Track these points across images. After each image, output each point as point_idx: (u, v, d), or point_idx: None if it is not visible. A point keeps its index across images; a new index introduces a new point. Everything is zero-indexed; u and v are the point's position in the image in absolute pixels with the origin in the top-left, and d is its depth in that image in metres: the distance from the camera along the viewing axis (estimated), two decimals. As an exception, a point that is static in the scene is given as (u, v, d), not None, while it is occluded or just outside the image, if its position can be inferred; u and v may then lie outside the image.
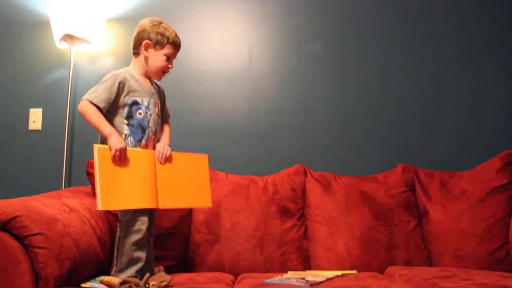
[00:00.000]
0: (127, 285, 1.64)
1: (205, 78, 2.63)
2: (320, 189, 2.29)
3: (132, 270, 1.69)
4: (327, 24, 2.67)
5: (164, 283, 1.70)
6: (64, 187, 2.50)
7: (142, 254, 1.72)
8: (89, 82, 2.61)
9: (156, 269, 1.91)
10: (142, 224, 1.72)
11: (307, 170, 2.38)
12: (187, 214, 2.25)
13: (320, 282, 1.78)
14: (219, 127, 2.59)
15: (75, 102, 2.61)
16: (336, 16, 2.67)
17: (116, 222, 2.15)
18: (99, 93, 1.76)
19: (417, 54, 2.63)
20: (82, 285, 1.71)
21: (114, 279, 1.66)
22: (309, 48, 2.66)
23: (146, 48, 1.85)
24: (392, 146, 2.57)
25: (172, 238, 2.18)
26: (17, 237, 1.57)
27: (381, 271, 2.13)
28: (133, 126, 1.79)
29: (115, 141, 1.68)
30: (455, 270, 1.96)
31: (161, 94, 1.96)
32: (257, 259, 2.13)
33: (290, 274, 2.01)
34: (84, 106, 1.76)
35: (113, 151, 1.67)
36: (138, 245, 1.71)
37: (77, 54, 2.60)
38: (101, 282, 1.66)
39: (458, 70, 2.62)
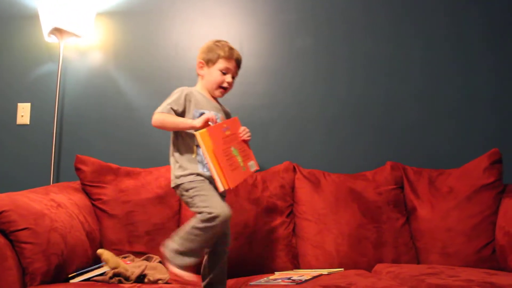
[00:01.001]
0: (117, 278, 1.64)
1: (195, 75, 2.61)
2: (309, 186, 2.29)
3: (188, 260, 1.66)
4: (317, 20, 2.67)
5: (160, 281, 1.70)
6: (53, 183, 2.48)
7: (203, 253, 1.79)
8: (78, 77, 2.62)
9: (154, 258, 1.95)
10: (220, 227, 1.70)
11: (296, 167, 2.38)
12: (176, 211, 2.25)
13: (306, 281, 1.79)
14: (209, 123, 2.58)
15: (64, 96, 2.59)
16: (326, 11, 2.67)
17: (105, 218, 2.16)
18: (168, 103, 1.80)
19: (407, 51, 2.64)
20: (71, 280, 1.70)
21: (112, 260, 1.65)
22: (299, 44, 2.66)
23: (201, 68, 1.92)
24: (382, 143, 2.58)
25: (161, 234, 2.17)
26: (3, 232, 1.56)
27: (369, 268, 2.14)
28: None
29: (200, 118, 1.72)
30: (442, 267, 1.97)
31: (226, 116, 1.98)
32: (246, 256, 2.14)
33: (277, 275, 2.01)
34: (157, 117, 1.79)
35: (205, 119, 1.70)
36: (209, 243, 1.75)
37: (66, 48, 2.58)
38: (100, 255, 1.66)
39: (447, 68, 2.63)
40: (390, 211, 2.26)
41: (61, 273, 1.67)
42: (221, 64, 1.88)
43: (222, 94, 1.92)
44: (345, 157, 2.56)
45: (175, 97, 1.83)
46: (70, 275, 1.71)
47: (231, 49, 1.90)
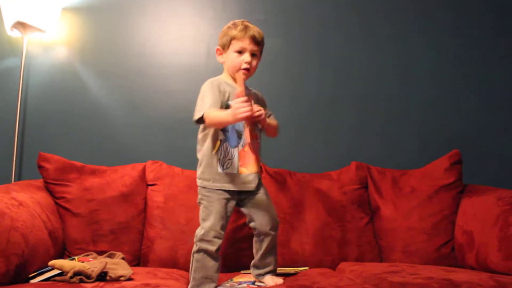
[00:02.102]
0: (78, 277, 1.61)
1: (162, 73, 2.61)
2: (275, 186, 2.31)
3: None
4: (287, 20, 2.69)
5: (123, 278, 1.68)
6: (14, 181, 2.42)
7: None
8: (42, 72, 2.56)
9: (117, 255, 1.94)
10: None
11: (262, 167, 2.39)
12: (142, 209, 2.23)
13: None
14: (176, 122, 2.57)
15: (27, 92, 2.53)
16: (296, 12, 2.68)
17: (68, 217, 2.13)
18: (204, 102, 1.75)
19: (376, 53, 2.69)
20: (31, 281, 1.66)
21: (66, 265, 1.62)
22: (269, 44, 2.65)
23: (220, 54, 1.87)
24: (347, 144, 2.62)
25: (126, 233, 2.16)
26: (-40, 232, 1.52)
27: (334, 267, 2.17)
28: (227, 131, 1.78)
29: (232, 116, 1.63)
30: (403, 265, 2.02)
31: (259, 101, 1.92)
32: (211, 254, 2.13)
33: (242, 274, 2.02)
34: (205, 118, 1.72)
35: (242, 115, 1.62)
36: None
37: (30, 43, 2.51)
38: (53, 266, 1.63)
39: (414, 70, 2.69)
40: (354, 211, 2.30)
41: (21, 273, 1.63)
42: (235, 45, 1.80)
43: (247, 76, 1.82)
44: (311, 157, 2.59)
45: (207, 91, 1.78)
46: (30, 275, 1.67)
47: (244, 27, 1.80)
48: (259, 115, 1.70)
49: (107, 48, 2.61)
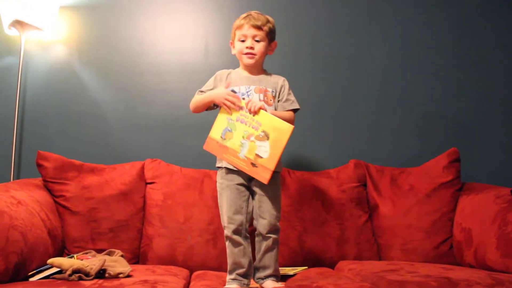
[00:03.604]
0: (77, 275, 1.61)
1: (160, 71, 2.60)
2: (273, 184, 2.31)
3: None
4: (283, 18, 2.67)
5: (121, 275, 1.69)
6: (13, 179, 2.42)
7: None
8: (40, 71, 2.56)
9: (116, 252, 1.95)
10: None
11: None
12: (140, 207, 2.24)
13: None
14: (174, 120, 2.57)
15: (25, 91, 2.53)
16: (292, 10, 2.68)
17: (67, 215, 2.13)
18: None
19: (374, 51, 2.69)
20: (30, 279, 1.67)
21: (65, 263, 1.62)
22: None
23: (233, 48, 1.97)
24: (345, 141, 2.62)
25: (125, 231, 2.16)
26: (-40, 230, 1.52)
27: (332, 265, 2.18)
28: None
29: (217, 94, 1.83)
30: (402, 263, 2.03)
31: (275, 84, 1.95)
32: (210, 253, 2.14)
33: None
34: (190, 103, 1.93)
35: (224, 101, 1.79)
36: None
37: (27, 42, 2.51)
38: (52, 264, 1.63)
39: (408, 67, 2.69)
40: (353, 208, 2.30)
41: (21, 271, 1.63)
42: (238, 34, 1.90)
43: (252, 59, 1.89)
44: (310, 155, 2.59)
45: (208, 81, 1.95)
46: (29, 273, 1.67)
47: (245, 16, 1.91)
48: (253, 107, 1.76)
49: (105, 47, 2.60)
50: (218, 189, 1.87)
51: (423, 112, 2.67)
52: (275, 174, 1.79)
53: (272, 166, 1.72)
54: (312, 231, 2.23)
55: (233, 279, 1.76)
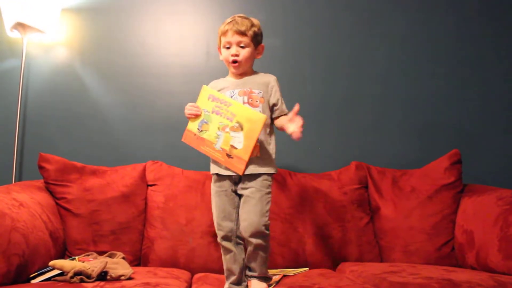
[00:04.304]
0: (78, 277, 1.62)
1: (161, 73, 2.61)
2: (275, 186, 2.30)
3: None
4: (284, 20, 2.69)
5: (123, 277, 1.69)
6: (15, 182, 2.42)
7: None
8: (42, 73, 2.56)
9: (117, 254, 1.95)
10: None
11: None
12: (142, 210, 2.24)
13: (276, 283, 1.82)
14: (176, 122, 2.56)
15: (27, 93, 2.54)
16: (294, 13, 2.68)
17: (69, 217, 2.13)
18: None
19: (376, 53, 2.69)
20: (32, 281, 1.67)
21: (67, 265, 1.63)
22: (266, 44, 2.66)
23: (220, 54, 1.91)
24: (347, 143, 2.62)
25: (127, 233, 2.16)
26: (-38, 233, 1.52)
27: (334, 267, 2.18)
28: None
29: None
30: (403, 265, 2.03)
31: (263, 85, 1.86)
32: (211, 255, 2.14)
33: None
34: None
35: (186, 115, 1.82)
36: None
37: (29, 44, 2.51)
38: (53, 266, 1.63)
39: (410, 69, 2.69)
40: (355, 210, 2.30)
41: (22, 273, 1.64)
42: (223, 41, 1.85)
43: (237, 68, 1.84)
44: (311, 157, 2.59)
45: None
46: (31, 275, 1.67)
47: (229, 22, 1.84)
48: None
49: (107, 49, 2.61)
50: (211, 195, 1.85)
51: (425, 114, 2.67)
52: (265, 175, 1.77)
53: (246, 157, 1.69)
54: (314, 233, 2.23)
55: None
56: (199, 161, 2.45)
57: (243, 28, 1.82)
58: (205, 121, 1.77)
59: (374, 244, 2.28)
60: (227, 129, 1.72)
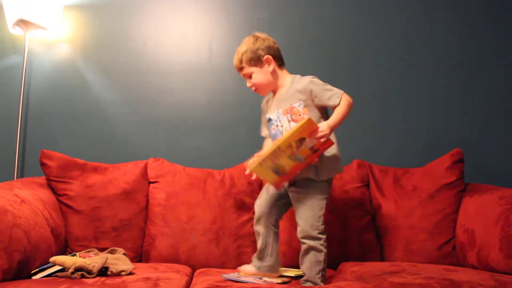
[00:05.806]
0: (79, 273, 1.62)
1: (164, 70, 2.61)
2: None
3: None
4: (287, 18, 2.68)
5: (124, 273, 1.69)
6: (17, 178, 2.43)
7: None
8: (45, 70, 2.57)
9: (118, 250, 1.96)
10: None
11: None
12: (143, 207, 2.24)
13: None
14: (178, 119, 2.58)
15: (29, 90, 2.54)
16: (295, 10, 2.68)
17: (70, 214, 2.13)
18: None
19: (378, 52, 2.69)
20: (33, 277, 1.67)
21: (68, 261, 1.63)
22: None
23: None
24: (348, 141, 2.60)
25: (128, 230, 2.17)
26: (-37, 229, 1.52)
27: (335, 266, 2.17)
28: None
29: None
30: (404, 265, 2.02)
31: (302, 93, 1.85)
32: (213, 252, 2.14)
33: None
34: None
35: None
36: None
37: (32, 41, 2.52)
38: (54, 262, 1.63)
39: (412, 67, 2.69)
40: (356, 209, 2.29)
41: (24, 270, 1.64)
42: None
43: (261, 93, 1.97)
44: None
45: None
46: (32, 272, 1.68)
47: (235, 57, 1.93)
48: None
49: (109, 46, 2.61)
50: None
51: (427, 112, 2.66)
52: (314, 182, 1.83)
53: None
54: (315, 231, 2.23)
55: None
56: (200, 158, 2.48)
57: (237, 64, 1.91)
58: (276, 170, 1.78)
59: (375, 243, 2.27)
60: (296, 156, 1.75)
